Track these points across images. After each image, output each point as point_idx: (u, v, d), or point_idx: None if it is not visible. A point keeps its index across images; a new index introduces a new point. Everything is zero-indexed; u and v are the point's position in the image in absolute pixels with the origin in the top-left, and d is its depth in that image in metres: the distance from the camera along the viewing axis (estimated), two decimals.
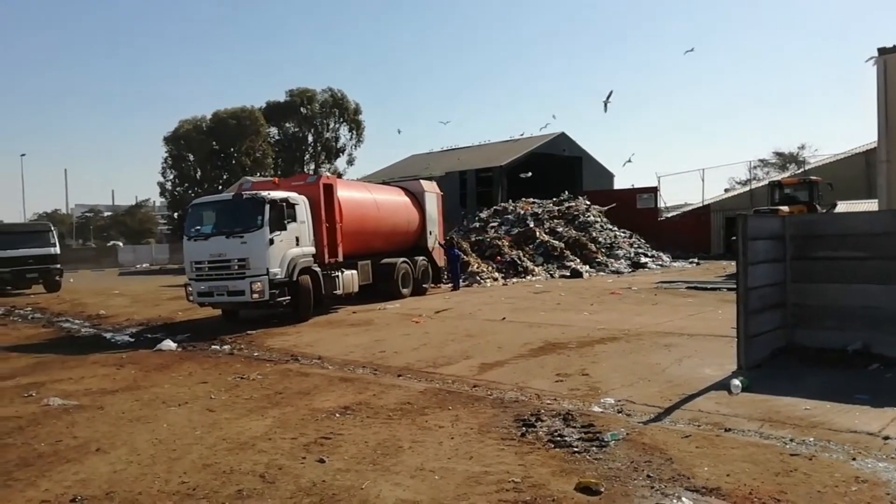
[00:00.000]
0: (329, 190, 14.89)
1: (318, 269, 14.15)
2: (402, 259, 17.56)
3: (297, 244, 13.68)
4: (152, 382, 8.66)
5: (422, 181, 20.26)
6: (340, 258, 15.03)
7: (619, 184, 43.14)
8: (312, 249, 14.20)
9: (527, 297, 16.72)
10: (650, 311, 13.34)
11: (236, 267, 12.97)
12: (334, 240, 14.88)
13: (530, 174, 34.54)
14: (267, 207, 12.96)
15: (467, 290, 19.87)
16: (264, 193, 13.25)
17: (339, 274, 14.95)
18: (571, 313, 13.33)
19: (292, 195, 13.86)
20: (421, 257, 18.64)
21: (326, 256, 14.55)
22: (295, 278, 13.39)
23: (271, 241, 12.92)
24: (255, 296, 12.81)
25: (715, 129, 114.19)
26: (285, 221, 13.16)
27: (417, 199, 19.14)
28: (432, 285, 19.87)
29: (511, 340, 10.31)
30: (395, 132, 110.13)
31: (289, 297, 13.32)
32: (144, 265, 52.08)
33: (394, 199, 18.30)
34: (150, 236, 69.80)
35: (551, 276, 22.85)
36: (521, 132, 46.84)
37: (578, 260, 24.64)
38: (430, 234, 19.39)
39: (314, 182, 14.82)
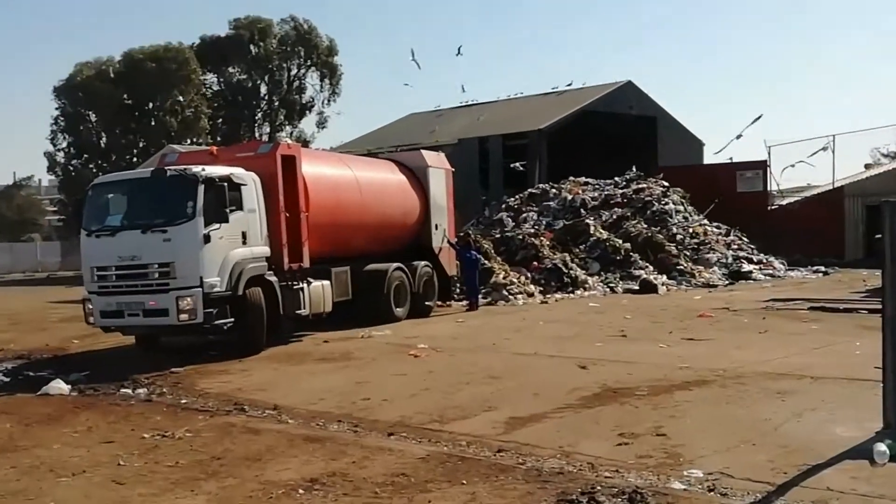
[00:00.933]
0: (290, 164, 14.96)
1: (273, 279, 14.23)
2: (395, 265, 17.64)
3: (245, 242, 13.76)
4: (35, 441, 8.69)
5: (424, 152, 20.35)
6: (306, 263, 15.11)
7: (713, 155, 43.04)
8: (266, 250, 14.28)
9: (576, 321, 16.67)
10: (756, 342, 13.22)
11: (156, 275, 13.04)
12: (297, 237, 14.95)
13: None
14: (201, 189, 13.01)
15: (489, 309, 19.87)
16: (197, 169, 13.31)
17: (305, 286, 15.03)
18: (641, 345, 13.25)
19: (238, 171, 13.92)
20: (422, 262, 18.74)
21: (286, 261, 14.63)
22: (241, 292, 13.47)
23: (207, 239, 12.99)
24: (184, 317, 12.88)
25: (850, 79, 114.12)
26: (227, 210, 13.22)
27: (418, 178, 19.24)
28: (439, 303, 19.94)
29: (553, 384, 10.23)
30: (386, 81, 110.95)
31: (232, 320, 13.41)
32: (25, 272, 52.51)
33: (384, 178, 18.37)
34: (33, 230, 70.35)
35: (612, 289, 22.85)
36: (567, 81, 46.86)
37: (651, 267, 24.61)
38: (437, 228, 19.48)
39: (269, 152, 14.89)
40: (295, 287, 14.77)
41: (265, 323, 13.89)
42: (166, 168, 13.73)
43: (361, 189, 17.16)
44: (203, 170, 13.31)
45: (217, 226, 13.10)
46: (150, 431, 8.83)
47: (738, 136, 47.51)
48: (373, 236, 17.60)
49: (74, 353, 15.36)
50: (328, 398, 10.15)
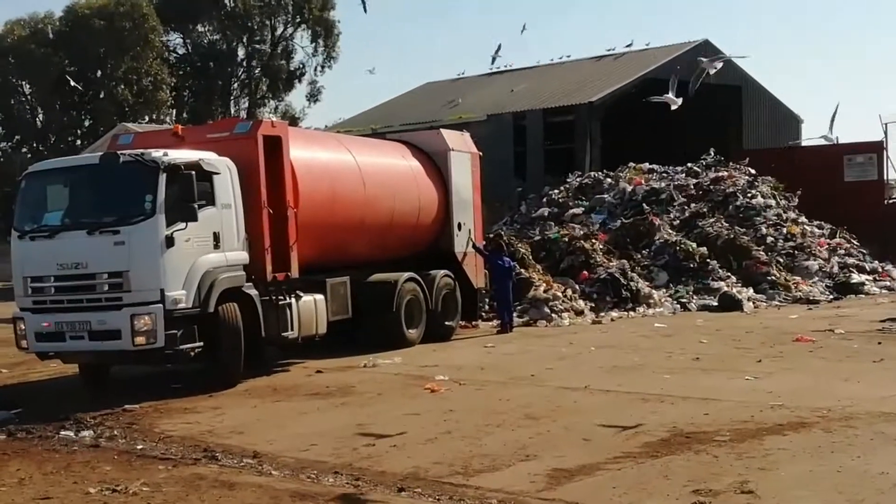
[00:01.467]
0: (274, 147, 15.03)
1: (253, 293, 14.30)
2: (406, 275, 17.71)
3: (217, 246, 13.84)
4: None
5: (444, 132, 20.38)
6: (295, 273, 15.17)
7: (813, 134, 42.75)
8: (244, 256, 14.35)
9: (638, 347, 16.64)
10: (869, 373, 13.13)
11: (106, 287, 13.12)
12: (283, 239, 15.01)
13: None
14: (162, 178, 13.07)
15: (527, 331, 19.84)
16: (157, 154, 13.38)
17: (293, 301, 15.08)
18: (721, 377, 13.19)
19: (208, 156, 14.00)
20: (442, 271, 18.83)
21: (270, 269, 14.70)
22: (212, 308, 13.54)
23: (170, 241, 13.05)
24: (140, 340, 12.91)
25: None
26: (195, 205, 13.28)
27: (436, 165, 19.34)
28: (463, 323, 19.94)
29: (608, 426, 10.20)
30: (395, 41, 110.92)
31: (201, 344, 13.46)
32: None
33: (393, 165, 18.45)
34: None
35: (683, 306, 22.79)
36: (627, 42, 46.73)
37: (734, 278, 24.49)
38: (460, 228, 19.54)
39: (248, 133, 14.98)
40: (280, 303, 14.81)
41: (242, 348, 13.92)
42: (118, 153, 13.79)
43: (365, 179, 17.23)
44: (165, 154, 13.37)
45: (182, 225, 13.13)
46: (97, 485, 8.85)
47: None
48: (379, 239, 17.66)
49: (2, 386, 15.43)
50: (322, 444, 10.12)
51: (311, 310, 15.44)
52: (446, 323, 18.80)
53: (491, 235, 23.42)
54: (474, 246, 19.84)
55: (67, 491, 8.74)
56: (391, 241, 18.03)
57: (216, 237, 13.78)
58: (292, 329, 15.01)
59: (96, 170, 13.64)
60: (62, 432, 11.41)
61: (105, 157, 13.70)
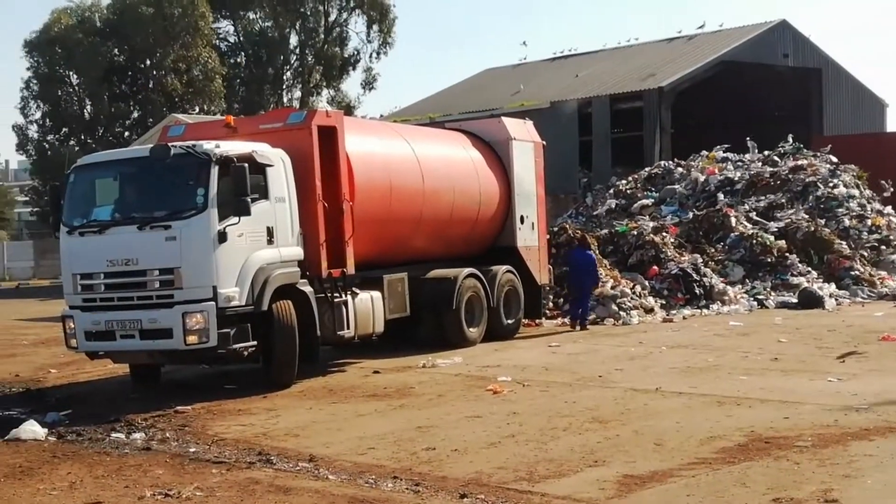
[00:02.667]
0: (329, 138, 15.09)
1: (308, 290, 14.38)
2: (467, 271, 17.73)
3: (271, 241, 13.94)
4: (2, 501, 8.90)
5: (506, 120, 20.35)
6: (351, 269, 15.25)
7: None
8: (299, 252, 14.44)
9: (712, 346, 16.51)
10: None
11: (157, 285, 13.27)
12: (339, 234, 15.08)
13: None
14: (214, 171, 13.14)
15: (594, 330, 19.78)
16: (208, 145, 13.46)
17: (349, 299, 15.16)
18: (802, 378, 13.06)
19: (261, 148, 14.10)
20: (503, 267, 18.80)
21: (325, 266, 14.77)
22: (266, 306, 13.64)
23: (222, 236, 13.15)
24: (192, 339, 13.02)
25: None
26: (248, 198, 13.35)
27: (498, 155, 19.34)
28: (525, 321, 19.90)
29: (681, 431, 10.17)
30: (453, 27, 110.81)
31: (254, 344, 13.57)
32: None
33: (453, 156, 18.48)
34: (0, 227, 72.21)
35: (760, 303, 22.56)
36: (698, 22, 46.29)
37: (815, 273, 24.18)
38: (523, 221, 19.53)
39: (302, 123, 15.05)
40: (336, 300, 14.89)
41: (297, 347, 14.01)
42: (169, 144, 13.79)
43: (424, 171, 17.25)
44: (217, 146, 13.45)
45: (236, 220, 13.18)
46: (149, 489, 8.95)
47: None
48: (438, 233, 17.72)
49: (52, 387, 15.68)
50: (380, 447, 10.17)
51: (367, 307, 15.50)
52: (508, 321, 18.77)
53: (575, 228, 23.69)
54: (539, 240, 19.77)
55: (119, 495, 8.85)
56: (451, 236, 18.07)
57: (270, 232, 13.85)
58: (348, 327, 15.08)
59: (147, 162, 13.72)
60: (113, 434, 11.57)
61: (156, 149, 13.77)
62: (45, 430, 11.78)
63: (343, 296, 15.02)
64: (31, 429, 11.72)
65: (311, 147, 14.65)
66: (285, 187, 14.22)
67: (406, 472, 9.11)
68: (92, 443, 11.31)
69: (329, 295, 14.77)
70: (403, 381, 14.17)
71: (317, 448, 10.27)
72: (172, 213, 13.14)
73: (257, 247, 13.63)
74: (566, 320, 20.44)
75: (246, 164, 13.25)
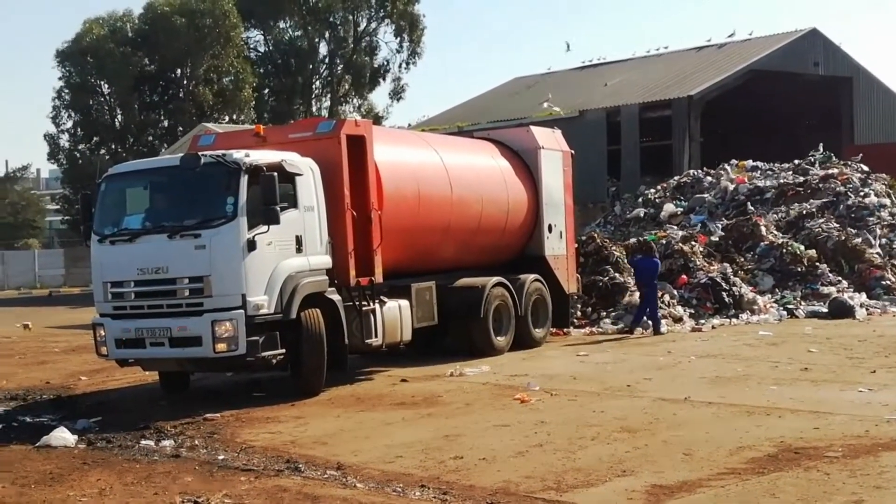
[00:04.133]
0: (358, 147, 15.14)
1: (336, 299, 14.43)
2: (494, 280, 17.72)
3: (299, 250, 14.00)
4: None
5: (534, 129, 20.37)
6: (379, 278, 15.28)
7: None
8: (327, 260, 14.50)
9: (741, 356, 16.43)
10: None
11: (187, 293, 13.36)
12: (367, 243, 15.13)
13: None
14: (244, 180, 13.23)
15: (622, 339, 19.69)
16: (239, 154, 13.55)
17: (377, 307, 15.20)
18: (832, 388, 12.99)
19: (290, 157, 14.16)
20: (531, 276, 18.80)
21: (353, 273, 14.82)
22: (295, 315, 13.70)
23: (252, 245, 13.23)
24: (222, 347, 13.10)
25: None
26: (277, 207, 13.34)
27: (526, 164, 19.35)
28: (553, 330, 19.87)
29: (710, 441, 10.14)
30: (482, 37, 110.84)
31: (283, 351, 13.63)
32: (20, 288, 54.53)
33: (481, 165, 18.51)
34: (30, 235, 72.86)
35: (790, 312, 22.42)
36: (727, 31, 46.20)
37: (846, 283, 24.03)
38: (551, 230, 19.53)
39: (331, 132, 15.11)
40: (364, 309, 14.92)
41: (325, 356, 14.05)
42: (199, 153, 13.85)
43: (452, 180, 17.28)
44: (247, 155, 13.53)
45: (265, 228, 13.26)
46: (178, 496, 9.01)
47: None
48: (466, 242, 17.72)
49: (82, 394, 15.83)
50: (408, 456, 10.19)
51: (395, 316, 15.53)
52: (536, 330, 18.74)
53: (642, 238, 23.83)
54: (567, 249, 19.79)
55: (148, 502, 8.92)
56: (479, 245, 18.06)
57: (298, 241, 13.91)
58: (376, 336, 15.10)
59: (177, 171, 13.81)
60: (142, 441, 11.66)
61: (186, 158, 13.78)
62: (76, 437, 11.90)
63: (371, 304, 15.05)
64: (62, 435, 11.84)
65: (339, 156, 14.71)
66: (314, 196, 14.28)
67: (434, 481, 9.12)
68: (121, 450, 11.39)
69: (357, 303, 14.79)
70: (431, 390, 14.19)
71: (345, 456, 10.31)
72: (202, 221, 13.25)
73: (286, 255, 13.68)
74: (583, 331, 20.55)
75: (275, 173, 13.31)
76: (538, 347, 18.54)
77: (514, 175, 18.94)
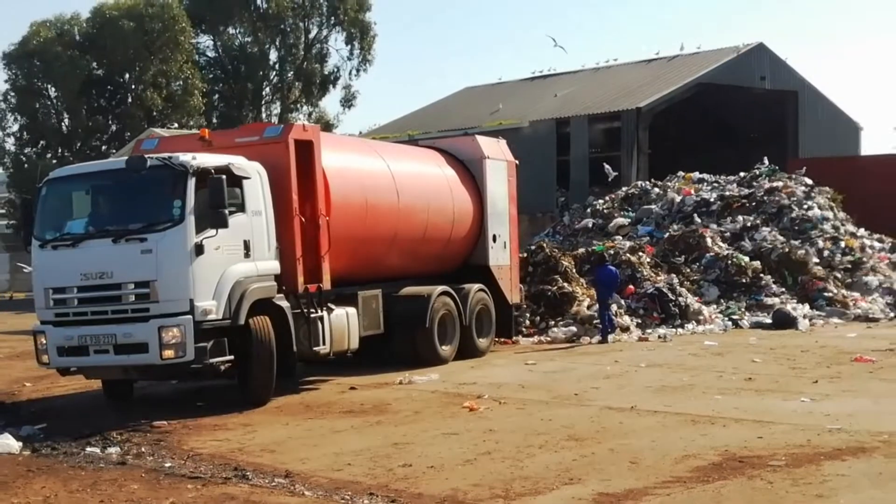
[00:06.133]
0: (306, 152, 15.09)
1: (285, 305, 14.34)
2: (440, 289, 17.68)
3: (248, 255, 13.89)
4: None
5: (480, 139, 20.37)
6: (326, 285, 15.23)
7: (874, 145, 42.53)
8: (276, 266, 14.41)
9: (687, 365, 16.56)
10: None
11: (132, 298, 13.14)
12: (315, 249, 15.08)
13: None
14: (191, 183, 13.05)
15: (571, 349, 19.79)
16: (185, 157, 13.35)
17: (325, 315, 15.14)
18: (775, 398, 13.12)
19: (238, 161, 14.03)
20: (476, 286, 18.74)
21: (301, 281, 14.76)
22: (243, 320, 13.55)
23: (199, 249, 13.08)
24: (169, 353, 12.89)
25: None
26: (225, 210, 13.17)
27: (471, 174, 19.30)
28: (502, 339, 19.92)
29: (656, 449, 10.21)
30: (432, 46, 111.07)
31: (231, 358, 13.49)
32: None
33: (428, 174, 18.53)
34: None
35: (735, 323, 22.65)
36: (679, 45, 46.69)
37: (788, 294, 24.30)
38: (495, 240, 19.48)
39: (279, 137, 15.04)
40: (312, 315, 14.83)
41: (275, 363, 13.93)
42: (146, 156, 13.63)
43: (399, 187, 17.26)
44: (194, 158, 13.33)
45: (213, 232, 13.11)
46: None
47: None
48: (411, 251, 17.71)
49: (26, 400, 15.62)
50: (357, 463, 10.18)
51: (343, 324, 15.46)
52: (480, 340, 18.67)
53: (602, 250, 24.01)
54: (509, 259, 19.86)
55: None
56: (424, 254, 18.03)
57: (246, 245, 13.76)
58: (324, 343, 15.01)
59: (121, 174, 13.61)
60: (88, 449, 11.54)
61: (131, 160, 13.62)
62: (20, 444, 11.77)
63: (319, 311, 14.94)
64: (6, 442, 11.70)
65: (287, 161, 14.62)
66: (262, 201, 14.14)
67: (382, 489, 9.12)
68: (67, 457, 11.27)
69: (305, 310, 14.69)
70: (380, 398, 14.18)
71: (293, 464, 10.27)
72: (148, 225, 13.04)
73: (234, 260, 13.53)
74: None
75: (224, 177, 13.18)
76: (483, 356, 18.54)
77: (460, 184, 18.93)
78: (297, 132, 15.16)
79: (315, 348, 14.86)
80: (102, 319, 13.19)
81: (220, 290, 13.25)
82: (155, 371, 13.61)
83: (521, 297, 20.58)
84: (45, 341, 13.58)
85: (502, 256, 19.70)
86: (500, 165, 19.92)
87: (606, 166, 35.52)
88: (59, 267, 13.48)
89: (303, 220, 14.78)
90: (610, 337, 20.31)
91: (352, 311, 15.75)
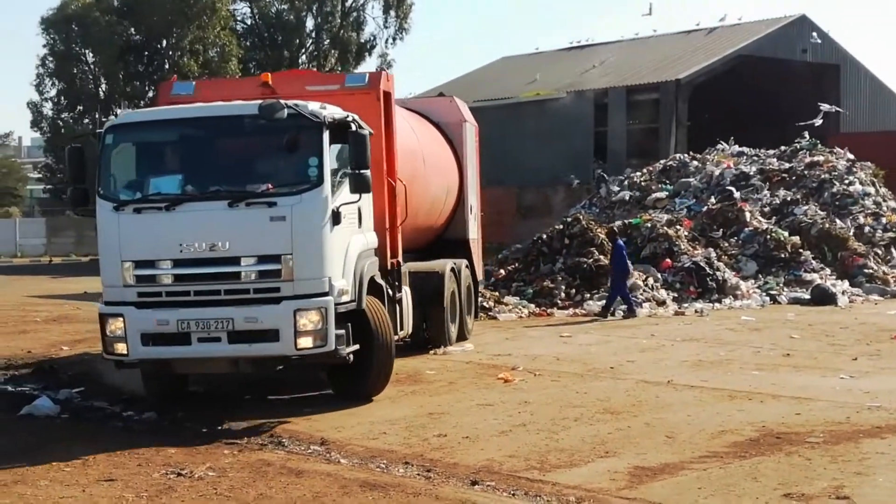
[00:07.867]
0: (388, 107, 13.33)
1: (383, 284, 12.71)
2: (449, 264, 16.09)
3: (360, 225, 11.95)
4: (15, 477, 8.91)
5: (459, 102, 18.75)
6: (400, 259, 13.75)
7: None
8: (375, 239, 12.62)
9: (724, 340, 16.54)
10: None
11: (253, 275, 10.80)
12: (393, 218, 13.50)
13: None
14: (326, 137, 10.88)
15: (606, 322, 19.78)
16: (313, 106, 11.04)
17: (404, 294, 13.75)
18: (814, 375, 13.07)
19: (353, 114, 11.74)
20: (463, 261, 17.16)
21: (390, 255, 13.23)
22: (364, 303, 11.64)
23: (336, 218, 11.00)
24: (306, 343, 10.68)
25: None
26: (369, 172, 11.17)
27: (450, 140, 17.68)
28: (537, 311, 20.11)
29: (692, 424, 10.21)
30: (470, 15, 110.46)
31: (357, 347, 11.32)
32: (0, 257, 54.29)
33: (433, 141, 17.09)
34: (11, 203, 72.51)
35: (773, 298, 22.53)
36: (720, 16, 46.28)
37: (828, 270, 24.15)
38: (472, 210, 18.14)
39: (367, 86, 13.10)
40: (398, 295, 13.33)
41: (394, 351, 12.16)
42: (281, 101, 10.89)
43: (425, 157, 15.85)
44: (323, 107, 11.12)
45: (355, 197, 11.24)
46: (162, 468, 9.06)
47: None
48: (418, 224, 15.54)
49: (64, 360, 15.79)
50: (392, 432, 10.25)
51: (409, 304, 14.04)
52: (467, 317, 17.11)
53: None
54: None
55: (132, 473, 8.94)
56: (423, 227, 16.16)
57: (360, 214, 11.81)
58: (402, 328, 13.56)
59: (242, 124, 11.21)
60: (125, 412, 11.67)
61: (266, 106, 10.76)
62: (58, 407, 11.91)
63: (400, 291, 13.49)
64: (44, 405, 11.85)
65: (378, 115, 12.77)
66: (367, 160, 11.33)
67: (417, 458, 9.19)
68: (104, 420, 11.40)
69: (389, 290, 12.95)
70: (415, 367, 14.22)
71: (328, 432, 10.36)
72: (281, 185, 10.88)
73: (352, 231, 11.56)
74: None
75: (369, 131, 11.40)
76: (466, 337, 17.11)
77: (447, 150, 17.46)
78: (385, 82, 13.33)
79: (399, 333, 13.28)
80: (212, 301, 10.76)
81: (347, 267, 11.29)
82: (277, 363, 11.08)
83: (482, 274, 19.58)
84: (122, 326, 10.85)
85: (475, 229, 18.42)
86: (473, 129, 18.62)
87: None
88: (145, 236, 10.84)
89: (393, 183, 13.24)
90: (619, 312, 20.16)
91: (407, 290, 14.20)
